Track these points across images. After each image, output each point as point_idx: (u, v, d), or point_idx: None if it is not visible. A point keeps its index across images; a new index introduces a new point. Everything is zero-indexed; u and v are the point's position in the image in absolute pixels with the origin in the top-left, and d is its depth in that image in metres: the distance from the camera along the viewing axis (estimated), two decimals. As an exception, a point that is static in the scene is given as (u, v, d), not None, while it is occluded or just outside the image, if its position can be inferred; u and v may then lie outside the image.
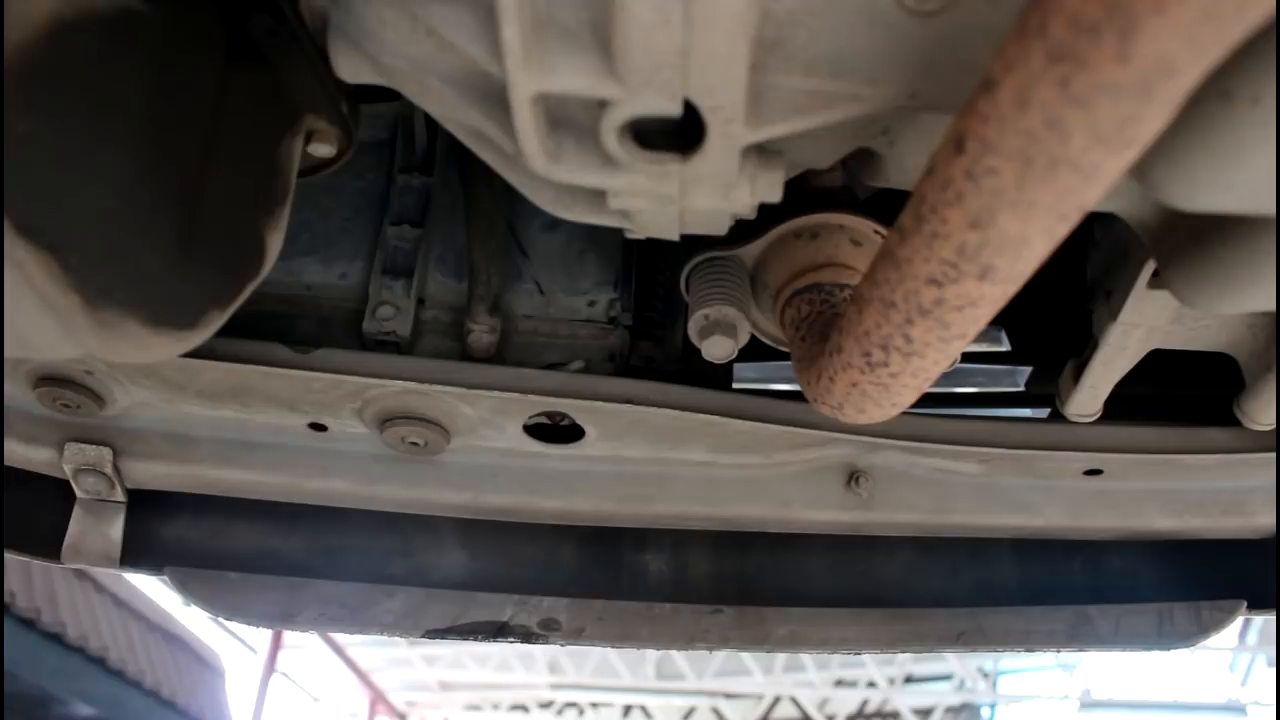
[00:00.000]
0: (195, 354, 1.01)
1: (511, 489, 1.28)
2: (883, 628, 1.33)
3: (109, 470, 1.21)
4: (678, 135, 0.66)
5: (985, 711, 11.12)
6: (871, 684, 10.49)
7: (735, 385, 1.30)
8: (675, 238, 0.81)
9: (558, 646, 1.37)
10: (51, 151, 0.62)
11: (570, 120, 0.68)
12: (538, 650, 9.95)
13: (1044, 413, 1.36)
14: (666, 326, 1.31)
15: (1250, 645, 9.10)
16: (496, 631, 1.29)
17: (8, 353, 0.72)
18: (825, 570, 1.37)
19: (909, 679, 10.84)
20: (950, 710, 10.80)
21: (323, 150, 0.92)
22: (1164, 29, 0.39)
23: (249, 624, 1.27)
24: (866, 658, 9.57)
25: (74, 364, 1.11)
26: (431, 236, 1.25)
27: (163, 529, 1.28)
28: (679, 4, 0.54)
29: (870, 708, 11.17)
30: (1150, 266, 0.97)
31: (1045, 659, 10.09)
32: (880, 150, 0.80)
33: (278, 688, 9.63)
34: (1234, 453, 1.25)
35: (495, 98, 0.67)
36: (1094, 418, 1.21)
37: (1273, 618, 1.40)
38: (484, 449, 1.24)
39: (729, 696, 10.76)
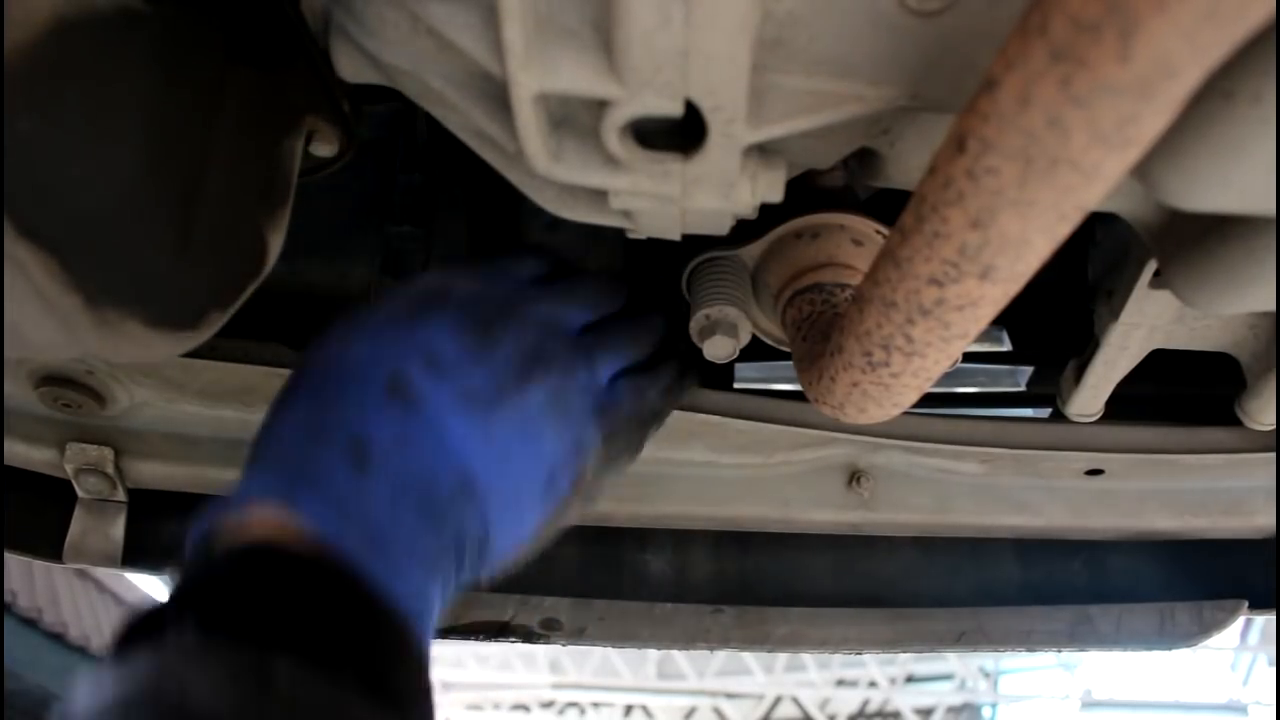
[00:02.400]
0: (196, 354, 1.01)
1: (512, 489, 1.27)
2: (884, 627, 1.33)
3: (111, 470, 1.21)
4: (679, 135, 0.66)
5: (986, 711, 11.10)
6: (873, 684, 10.49)
7: (736, 385, 1.30)
8: (677, 238, 0.81)
9: (559, 646, 1.37)
10: (51, 151, 0.62)
11: (572, 120, 0.67)
12: (539, 650, 9.95)
13: (1045, 413, 1.36)
14: (667, 326, 1.30)
15: (1252, 645, 9.09)
16: (498, 631, 1.28)
17: (8, 353, 0.72)
18: (826, 570, 1.37)
19: (910, 679, 10.83)
20: (951, 710, 10.78)
21: (324, 150, 0.92)
22: (1165, 29, 0.39)
23: (250, 624, 1.26)
24: (868, 657, 9.56)
25: (75, 364, 1.11)
26: (433, 236, 1.25)
27: (164, 529, 1.28)
28: (680, 4, 0.54)
29: (871, 707, 11.15)
30: (1151, 266, 0.96)
31: (1046, 659, 10.06)
32: (881, 150, 0.80)
33: (279, 687, 9.63)
34: (1235, 453, 1.25)
35: (496, 97, 0.67)
36: (1095, 418, 1.21)
37: (1274, 617, 1.40)
38: (485, 449, 1.24)
39: (730, 696, 10.75)
